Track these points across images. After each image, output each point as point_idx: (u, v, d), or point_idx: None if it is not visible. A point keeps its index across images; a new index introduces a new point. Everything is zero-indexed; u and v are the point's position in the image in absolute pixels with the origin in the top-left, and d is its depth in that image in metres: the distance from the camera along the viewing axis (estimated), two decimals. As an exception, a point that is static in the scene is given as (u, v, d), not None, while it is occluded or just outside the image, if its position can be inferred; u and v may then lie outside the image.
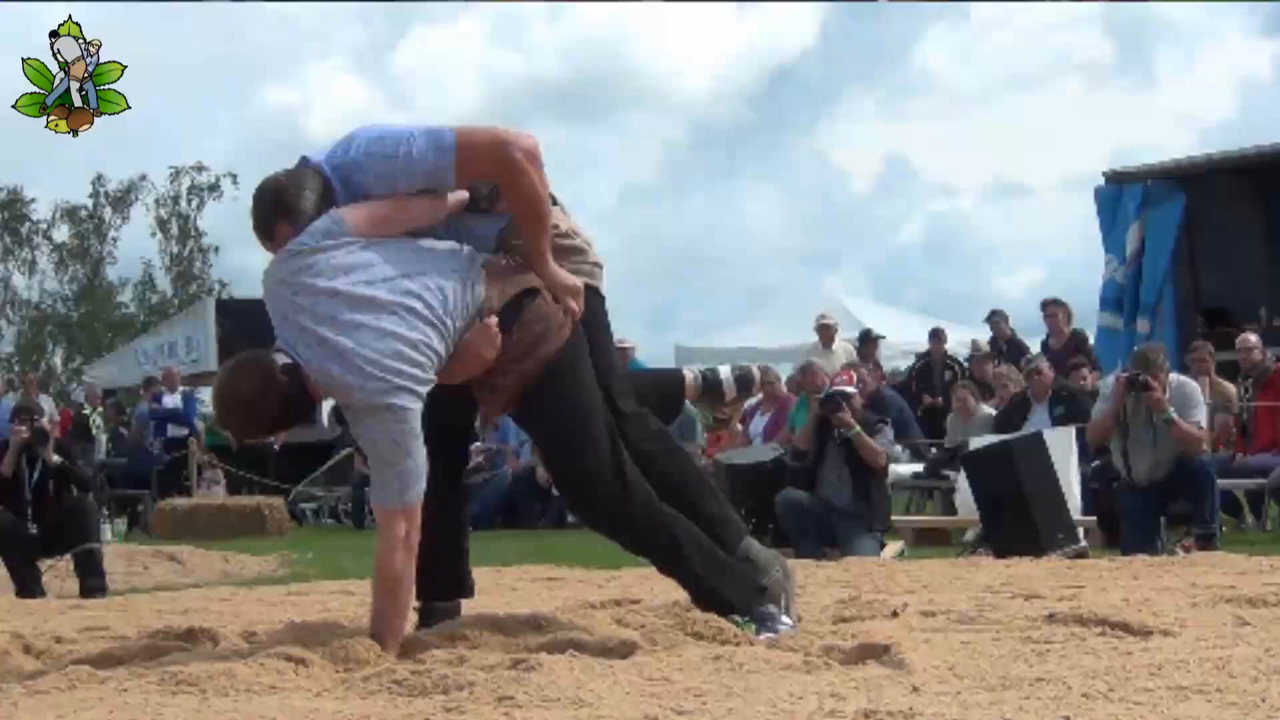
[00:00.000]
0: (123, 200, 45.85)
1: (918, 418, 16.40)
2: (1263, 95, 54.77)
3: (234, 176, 44.53)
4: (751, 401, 15.49)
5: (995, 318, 17.39)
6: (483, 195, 4.94)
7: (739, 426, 15.12)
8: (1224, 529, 11.15)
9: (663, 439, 5.15)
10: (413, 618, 5.04)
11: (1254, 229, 17.06)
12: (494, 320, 4.70)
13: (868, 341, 18.71)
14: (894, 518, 12.16)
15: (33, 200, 45.65)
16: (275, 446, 20.74)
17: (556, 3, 60.63)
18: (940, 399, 16.53)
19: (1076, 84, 60.40)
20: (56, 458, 10.45)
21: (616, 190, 63.66)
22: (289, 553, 13.73)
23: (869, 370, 16.06)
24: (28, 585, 10.05)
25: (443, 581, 5.27)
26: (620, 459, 4.81)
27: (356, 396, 4.53)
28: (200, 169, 45.18)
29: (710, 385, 5.70)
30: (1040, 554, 9.14)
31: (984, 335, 17.72)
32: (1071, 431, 11.62)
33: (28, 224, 45.89)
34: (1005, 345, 16.93)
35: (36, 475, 10.40)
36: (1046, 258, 60.06)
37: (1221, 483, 10.84)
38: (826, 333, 17.97)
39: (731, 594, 4.89)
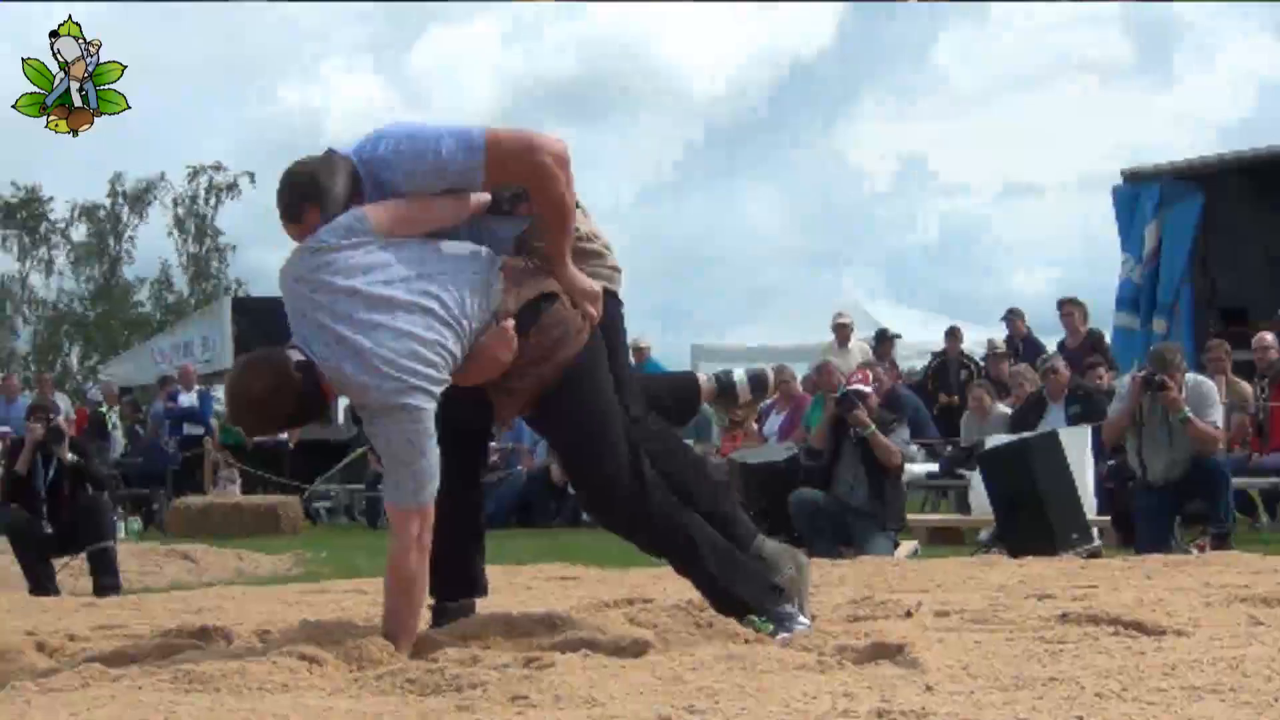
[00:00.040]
0: (140, 200, 46.01)
1: (933, 417, 16.38)
2: (1283, 95, 54.63)
3: (252, 176, 44.76)
4: (767, 401, 15.50)
5: (1012, 316, 17.35)
6: (504, 198, 4.91)
7: (754, 426, 15.11)
8: (1238, 528, 11.12)
9: (663, 439, 5.14)
10: (426, 616, 5.04)
11: (1271, 228, 16.98)
12: (511, 323, 4.69)
13: (884, 340, 18.70)
14: (909, 517, 12.15)
15: (50, 199, 45.91)
16: (290, 446, 20.80)
17: (571, 2, 60.61)
18: (956, 398, 16.51)
19: (1094, 84, 60.38)
20: (71, 456, 10.47)
21: (631, 189, 63.69)
22: (303, 551, 13.76)
23: (885, 369, 16.05)
24: (42, 583, 10.08)
25: (456, 581, 5.26)
26: (638, 460, 4.81)
27: (372, 396, 4.52)
28: (218, 168, 45.39)
29: (724, 387, 5.67)
30: (1054, 553, 9.13)
31: (1000, 334, 17.69)
32: (1087, 431, 11.61)
33: (45, 223, 46.07)
34: (1021, 344, 16.89)
35: (51, 473, 10.44)
36: (1063, 257, 60.01)
37: (1236, 482, 10.82)
38: (843, 332, 17.96)
39: (747, 594, 4.88)
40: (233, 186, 45.44)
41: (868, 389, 11.74)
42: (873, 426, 11.12)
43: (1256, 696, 3.50)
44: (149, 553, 13.31)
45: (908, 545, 11.32)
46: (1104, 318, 17.07)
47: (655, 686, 3.86)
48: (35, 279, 46.16)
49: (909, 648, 4.23)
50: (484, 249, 4.80)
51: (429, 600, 5.02)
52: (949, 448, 15.13)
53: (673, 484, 4.93)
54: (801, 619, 4.90)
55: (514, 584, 7.91)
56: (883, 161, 65.64)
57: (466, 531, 5.22)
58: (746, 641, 4.59)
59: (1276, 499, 12.25)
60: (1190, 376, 10.63)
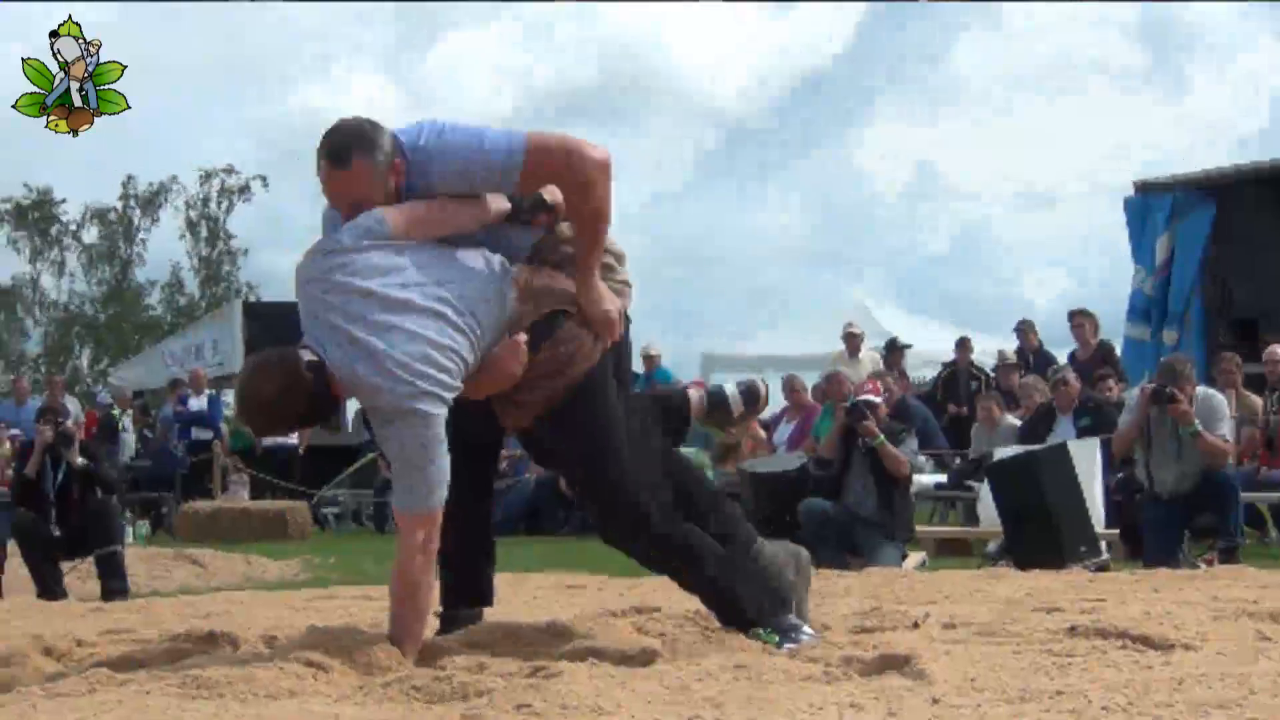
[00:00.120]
0: (152, 203, 46.08)
1: (943, 427, 16.37)
2: (1297, 105, 54.58)
3: (264, 179, 44.84)
4: (775, 410, 15.49)
5: (1023, 327, 17.34)
6: (524, 208, 4.85)
7: (763, 434, 15.10)
8: (1247, 542, 11.09)
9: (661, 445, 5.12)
10: (433, 624, 5.04)
11: (1284, 240, 16.98)
12: (523, 337, 4.68)
13: (894, 350, 18.67)
14: (917, 528, 12.14)
15: (63, 202, 45.98)
16: (300, 450, 20.81)
17: (586, 2, 60.61)
18: (965, 409, 16.50)
19: (1107, 92, 60.23)
20: (81, 460, 10.49)
21: (644, 194, 63.70)
22: (311, 557, 13.77)
23: (895, 379, 16.04)
24: (49, 586, 10.10)
25: (464, 590, 5.26)
26: (641, 470, 4.80)
27: (384, 399, 4.49)
28: (230, 171, 45.47)
29: (716, 403, 5.53)
30: (1062, 566, 9.11)
31: (1011, 345, 17.67)
32: (1096, 443, 11.58)
33: (57, 225, 46.14)
34: (1032, 355, 16.88)
35: (60, 477, 10.45)
36: (1074, 267, 59.85)
37: (1245, 496, 10.80)
38: (853, 341, 17.94)
39: (751, 606, 4.87)
40: (245, 190, 45.59)
41: (878, 399, 11.73)
42: (881, 437, 11.11)
43: (1264, 712, 3.50)
44: (157, 557, 13.34)
45: (915, 556, 11.30)
46: (1115, 329, 17.08)
47: (662, 696, 3.86)
48: (46, 281, 46.36)
49: (916, 659, 4.22)
50: (499, 258, 4.78)
51: (436, 608, 5.02)
52: (958, 459, 15.11)
53: (673, 485, 4.93)
54: (807, 630, 4.89)
55: (521, 592, 7.90)
56: (896, 168, 65.48)
57: (476, 543, 5.22)
58: (754, 652, 4.59)
59: (1285, 513, 12.21)
60: (1200, 389, 10.61)
